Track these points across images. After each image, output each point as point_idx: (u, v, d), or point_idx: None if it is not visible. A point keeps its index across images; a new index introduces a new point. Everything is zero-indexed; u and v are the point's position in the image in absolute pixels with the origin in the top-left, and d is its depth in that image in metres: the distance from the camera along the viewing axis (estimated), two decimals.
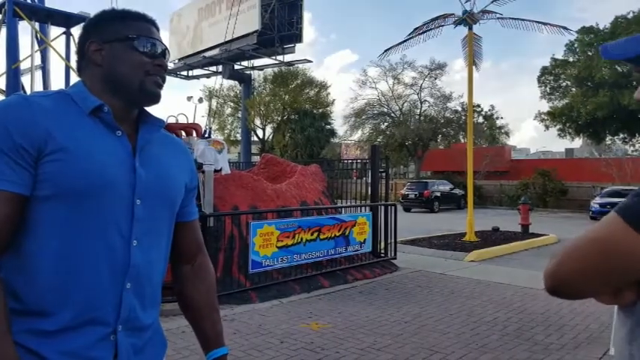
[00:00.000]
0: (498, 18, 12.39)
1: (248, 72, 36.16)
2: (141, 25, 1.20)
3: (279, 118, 34.63)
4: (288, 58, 33.46)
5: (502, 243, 10.92)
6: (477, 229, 11.82)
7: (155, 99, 1.19)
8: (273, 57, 33.56)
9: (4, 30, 13.66)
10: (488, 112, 40.29)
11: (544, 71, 32.07)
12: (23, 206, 1.03)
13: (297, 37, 31.77)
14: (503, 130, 40.60)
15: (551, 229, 14.13)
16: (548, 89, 32.20)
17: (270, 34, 31.19)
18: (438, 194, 23.69)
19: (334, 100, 45.06)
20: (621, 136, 31.46)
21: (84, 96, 1.12)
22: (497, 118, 40.58)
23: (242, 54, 32.60)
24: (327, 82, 36.30)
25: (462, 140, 34.69)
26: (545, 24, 12.56)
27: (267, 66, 35.17)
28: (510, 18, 12.47)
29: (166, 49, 1.22)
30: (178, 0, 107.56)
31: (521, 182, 26.57)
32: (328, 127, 34.62)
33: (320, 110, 34.45)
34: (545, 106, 33.79)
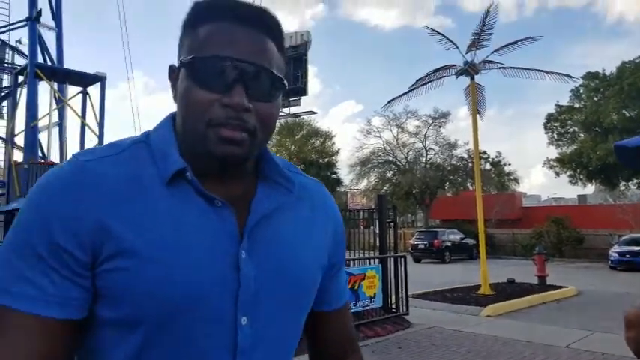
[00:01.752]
0: (500, 67, 12.63)
1: None
2: (215, 29, 0.74)
3: None
4: (293, 110, 33.99)
5: (519, 296, 10.58)
6: (491, 280, 11.55)
7: (225, 164, 0.75)
8: (279, 109, 34.24)
9: (24, 90, 14.15)
10: (496, 159, 40.34)
11: (550, 118, 32.38)
12: (73, 335, 0.70)
13: (302, 90, 32.43)
14: (512, 177, 40.48)
15: (570, 281, 13.70)
16: (555, 135, 32.39)
17: None
18: (449, 244, 23.35)
19: (339, 149, 45.66)
20: (635, 181, 31.24)
21: (164, 150, 0.76)
22: (504, 164, 40.56)
23: None
24: (332, 132, 37.16)
25: (470, 188, 34.58)
26: (547, 72, 12.78)
27: None
28: (512, 67, 12.71)
29: (260, 68, 0.73)
30: None
31: (534, 230, 26.17)
32: (334, 176, 34.91)
33: (326, 160, 34.88)
34: (553, 153, 33.86)
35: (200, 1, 0.77)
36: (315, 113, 39.81)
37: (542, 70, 12.80)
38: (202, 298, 0.70)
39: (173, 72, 0.79)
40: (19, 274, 0.67)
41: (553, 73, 12.79)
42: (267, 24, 0.76)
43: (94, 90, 15.04)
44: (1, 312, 0.66)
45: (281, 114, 34.39)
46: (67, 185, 0.70)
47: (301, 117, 35.90)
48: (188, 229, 0.71)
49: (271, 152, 0.85)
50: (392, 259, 8.42)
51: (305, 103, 33.14)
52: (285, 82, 0.78)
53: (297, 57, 32.71)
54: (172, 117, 0.81)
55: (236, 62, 0.71)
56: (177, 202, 0.73)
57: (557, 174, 32.69)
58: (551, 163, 32.91)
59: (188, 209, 0.73)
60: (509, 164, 41.30)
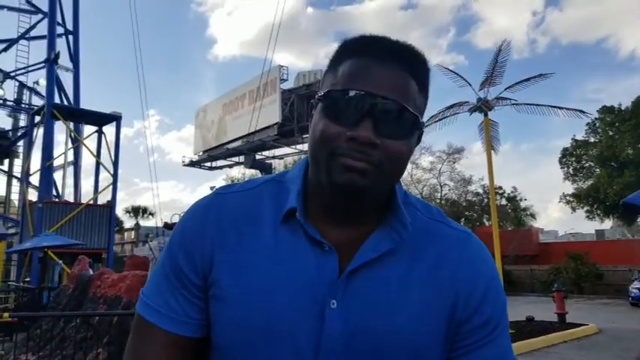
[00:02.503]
0: (513, 104, 12.63)
1: (269, 161, 37.20)
2: (354, 64, 0.72)
3: None
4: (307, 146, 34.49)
5: (538, 334, 10.23)
6: (509, 318, 11.19)
7: (344, 192, 0.70)
8: (293, 146, 34.62)
9: (40, 130, 14.46)
10: (511, 194, 39.97)
11: (565, 152, 32.20)
12: (190, 350, 0.76)
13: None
14: (528, 212, 39.99)
15: (590, 318, 13.27)
16: (571, 170, 32.12)
17: (289, 125, 32.36)
18: None
19: None
20: None
21: (290, 187, 0.77)
22: (520, 199, 40.17)
23: (263, 144, 33.74)
24: None
25: (487, 223, 34.18)
26: (560, 108, 12.74)
27: (287, 155, 36.25)
28: (525, 104, 12.70)
29: (392, 103, 0.69)
30: (205, 96, 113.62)
31: (552, 267, 25.60)
32: None
33: None
34: (569, 188, 33.46)
35: (347, 39, 0.77)
36: None
37: (555, 107, 12.76)
38: (283, 346, 0.69)
39: (313, 108, 0.78)
40: (160, 293, 0.76)
41: (566, 109, 12.75)
42: (409, 61, 0.73)
43: (109, 128, 15.34)
44: (141, 323, 0.77)
45: (295, 151, 35.02)
46: (197, 213, 0.78)
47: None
48: (283, 270, 0.72)
49: (410, 196, 0.81)
50: None
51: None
52: (422, 121, 0.75)
53: (310, 95, 33.29)
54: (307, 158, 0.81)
55: (366, 96, 0.69)
56: (285, 242, 0.74)
57: (574, 209, 32.21)
58: (568, 198, 32.52)
59: (293, 250, 0.73)
60: (525, 199, 40.87)
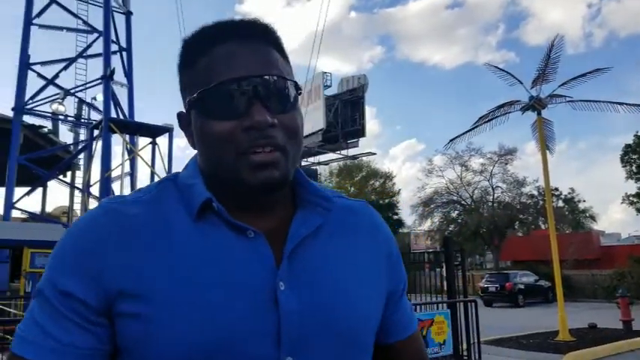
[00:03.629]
0: (568, 101, 12.13)
1: (314, 167, 37.42)
2: (213, 57, 0.69)
3: None
4: (352, 152, 34.47)
5: (602, 343, 9.71)
6: (570, 325, 10.72)
7: (265, 191, 0.68)
8: (338, 152, 34.69)
9: (99, 143, 15.19)
10: (569, 196, 38.37)
11: (627, 150, 30.57)
12: None
13: (360, 132, 32.84)
14: (587, 214, 38.25)
15: None
16: (634, 169, 30.44)
17: (334, 132, 32.43)
18: (522, 286, 22.05)
19: (400, 189, 45.21)
20: None
21: (189, 184, 0.71)
22: (578, 201, 38.50)
23: (308, 151, 33.96)
24: (393, 173, 36.96)
25: (543, 226, 32.93)
26: (620, 104, 12.11)
27: (332, 160, 36.30)
28: (581, 100, 12.16)
29: (273, 81, 0.68)
30: None
31: (615, 271, 24.25)
32: (395, 217, 34.39)
33: (386, 200, 34.63)
34: (632, 187, 31.68)
35: (187, 38, 0.73)
36: (374, 154, 40.19)
37: (614, 102, 12.15)
38: (236, 341, 0.62)
39: (183, 119, 0.75)
40: (37, 324, 0.64)
41: (627, 104, 12.09)
42: (262, 34, 0.71)
43: (162, 140, 15.91)
44: None
45: (340, 156, 35.06)
46: (88, 228, 0.66)
47: (360, 158, 36.28)
48: (216, 265, 0.65)
49: (306, 176, 0.80)
50: (462, 303, 8.01)
51: (364, 145, 33.42)
52: (300, 84, 0.72)
53: (354, 100, 33.38)
54: (196, 159, 0.77)
55: (244, 80, 0.66)
56: (206, 238, 0.67)
57: (639, 210, 30.46)
58: (631, 198, 30.82)
59: (218, 243, 0.67)
60: (584, 200, 39.13)
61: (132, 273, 0.63)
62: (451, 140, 13.81)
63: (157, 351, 0.61)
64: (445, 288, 8.45)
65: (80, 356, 0.63)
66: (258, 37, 0.71)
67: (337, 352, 0.68)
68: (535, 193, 33.18)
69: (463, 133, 13.51)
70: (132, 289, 0.63)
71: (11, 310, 9.77)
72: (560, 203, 37.33)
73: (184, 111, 0.75)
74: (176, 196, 0.71)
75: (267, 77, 0.67)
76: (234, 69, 0.67)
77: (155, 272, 0.63)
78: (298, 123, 0.72)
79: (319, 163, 36.91)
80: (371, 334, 0.75)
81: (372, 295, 0.75)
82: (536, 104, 11.77)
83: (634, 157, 30.41)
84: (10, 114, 17.73)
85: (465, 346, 7.76)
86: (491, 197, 34.24)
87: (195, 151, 0.77)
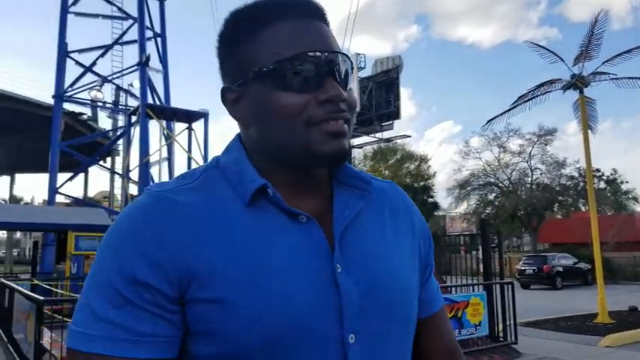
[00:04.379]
0: (612, 79, 11.66)
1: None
2: (283, 29, 0.70)
3: None
4: (386, 134, 34.14)
5: None
6: (609, 308, 10.48)
7: (336, 160, 0.70)
8: (372, 135, 34.42)
9: (137, 128, 15.56)
10: (611, 177, 37.12)
11: None
12: None
13: (395, 115, 32.45)
14: (630, 196, 36.97)
15: None
16: None
17: (368, 114, 32.16)
18: (560, 269, 21.58)
19: (435, 172, 44.66)
20: None
21: (239, 170, 0.72)
22: (621, 182, 37.22)
23: None
24: (428, 155, 36.50)
25: (583, 208, 32.04)
26: None
27: (366, 144, 36.06)
28: (626, 78, 11.68)
29: (339, 57, 0.71)
30: None
31: None
32: (431, 199, 34.09)
33: (421, 183, 34.30)
34: None
35: (239, 11, 0.73)
36: (409, 137, 39.63)
37: None
38: (306, 321, 0.64)
39: (231, 93, 0.74)
40: (103, 318, 0.62)
41: None
42: (319, 12, 0.74)
43: (199, 125, 16.16)
44: None
45: (374, 139, 34.85)
46: (145, 217, 0.65)
47: (395, 141, 35.93)
48: (278, 250, 0.66)
49: None
50: (498, 285, 7.94)
51: (399, 127, 33.08)
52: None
53: (389, 81, 32.92)
54: (239, 138, 0.78)
55: (321, 54, 0.69)
56: (261, 223, 0.68)
57: None
58: None
59: (273, 229, 0.68)
60: (627, 182, 37.78)
61: (200, 260, 0.63)
62: (489, 121, 13.53)
63: (233, 333, 0.62)
64: (481, 270, 8.38)
65: (160, 345, 0.63)
66: (317, 15, 0.73)
67: (389, 327, 0.71)
68: (575, 174, 32.26)
69: (501, 114, 13.20)
70: (204, 276, 0.63)
71: (58, 290, 10.25)
72: (602, 185, 36.19)
73: (231, 86, 0.74)
74: (223, 182, 0.71)
75: (338, 54, 0.71)
76: (305, 44, 0.69)
77: (223, 258, 0.64)
78: (356, 99, 0.75)
79: (353, 147, 36.77)
80: (415, 310, 0.78)
81: (414, 274, 0.79)
82: (578, 82, 11.37)
83: None
84: (51, 101, 18.23)
85: (501, 327, 7.72)
86: (530, 179, 33.48)
87: (236, 134, 0.79)
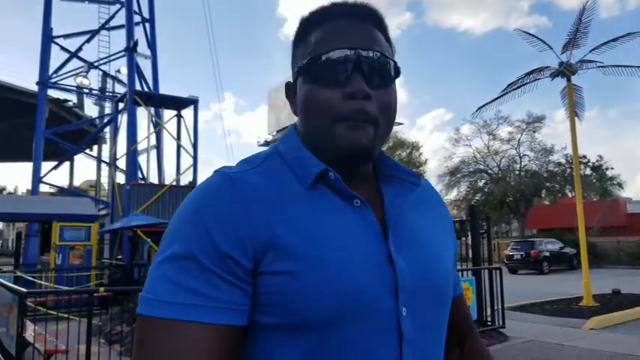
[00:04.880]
0: (599, 67, 11.77)
1: None
2: (324, 30, 0.77)
3: None
4: None
5: (625, 307, 9.71)
6: (594, 291, 10.71)
7: (357, 155, 0.76)
8: None
9: (124, 116, 15.35)
10: (597, 163, 37.57)
11: None
12: (239, 341, 0.69)
13: None
14: (615, 182, 37.47)
15: None
16: None
17: None
18: (547, 254, 21.94)
19: (427, 159, 44.80)
20: None
21: (298, 156, 0.78)
22: (607, 168, 37.70)
23: None
24: (419, 143, 36.51)
25: (570, 194, 32.43)
26: None
27: None
28: (612, 66, 11.78)
29: (373, 56, 0.75)
30: (277, 76, 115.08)
31: None
32: None
33: (413, 171, 34.35)
34: None
35: (304, 16, 0.81)
36: (401, 124, 39.59)
37: None
38: (366, 293, 0.70)
39: (290, 88, 0.84)
40: (183, 287, 0.66)
41: None
42: (371, 16, 0.78)
43: (188, 112, 15.97)
44: (169, 325, 0.64)
45: None
46: (222, 194, 0.70)
47: None
48: (338, 229, 0.72)
49: (384, 152, 0.87)
50: (486, 270, 8.06)
51: None
52: (399, 66, 0.79)
53: None
54: (295, 127, 0.84)
55: (350, 51, 0.73)
56: (320, 205, 0.74)
57: None
58: None
59: (332, 210, 0.74)
60: (612, 168, 38.28)
61: (274, 236, 0.68)
62: (479, 108, 13.61)
63: (300, 304, 0.67)
64: (470, 256, 8.48)
65: (235, 312, 0.67)
66: (365, 17, 0.78)
67: (433, 305, 0.78)
68: (563, 161, 32.62)
69: (491, 101, 13.29)
70: (277, 250, 0.68)
71: (42, 282, 10.07)
72: (588, 171, 36.61)
73: (291, 81, 0.83)
74: (284, 167, 0.77)
75: (369, 51, 0.74)
76: (339, 42, 0.74)
77: (293, 235, 0.69)
78: (393, 101, 0.78)
79: None
80: (451, 292, 0.85)
81: (451, 261, 0.87)
82: (565, 70, 11.46)
83: None
84: (35, 88, 17.80)
85: (489, 312, 7.85)
86: (519, 166, 33.80)
87: (291, 123, 0.86)
